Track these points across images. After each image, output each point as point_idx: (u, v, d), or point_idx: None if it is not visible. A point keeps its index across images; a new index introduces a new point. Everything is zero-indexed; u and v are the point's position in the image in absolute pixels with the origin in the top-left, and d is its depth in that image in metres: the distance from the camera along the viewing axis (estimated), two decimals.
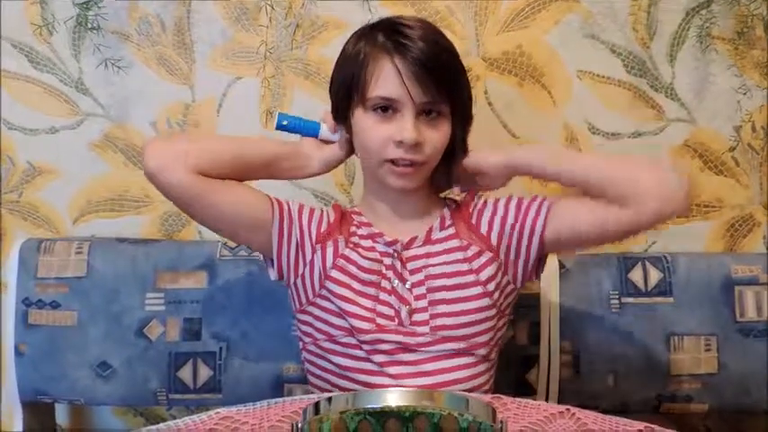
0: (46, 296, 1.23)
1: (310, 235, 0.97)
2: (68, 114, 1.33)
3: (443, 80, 0.90)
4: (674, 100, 1.32)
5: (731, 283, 1.24)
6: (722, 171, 1.34)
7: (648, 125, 1.32)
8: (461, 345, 0.94)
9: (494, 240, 0.97)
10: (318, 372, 1.00)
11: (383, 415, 0.49)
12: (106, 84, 1.31)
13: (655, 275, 1.24)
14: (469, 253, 0.96)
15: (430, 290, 0.95)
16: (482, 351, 0.96)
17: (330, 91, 0.99)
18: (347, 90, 0.93)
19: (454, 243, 0.97)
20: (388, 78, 0.89)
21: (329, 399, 0.50)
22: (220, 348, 1.23)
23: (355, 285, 0.95)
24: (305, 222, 0.98)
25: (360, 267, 0.95)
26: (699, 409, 1.24)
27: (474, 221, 0.99)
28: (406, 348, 0.93)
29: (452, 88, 0.92)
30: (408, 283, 0.95)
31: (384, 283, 0.95)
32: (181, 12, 1.30)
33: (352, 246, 0.97)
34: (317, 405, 0.50)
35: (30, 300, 1.23)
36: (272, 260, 0.99)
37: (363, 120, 0.92)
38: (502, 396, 0.86)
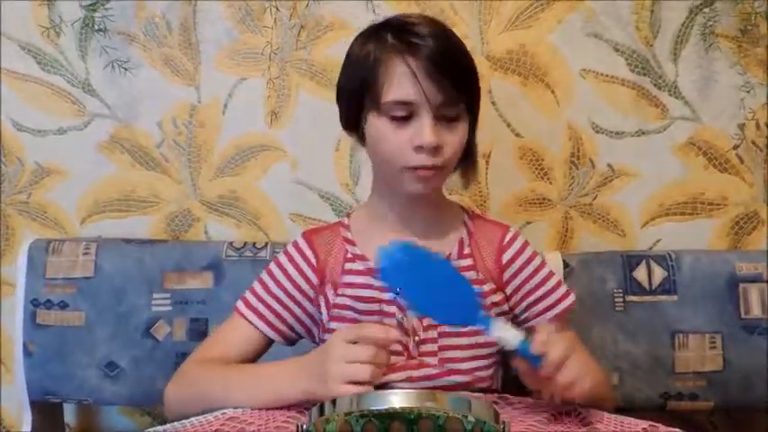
0: (54, 296, 1.24)
1: (308, 297, 0.93)
2: (76, 115, 1.34)
3: (459, 78, 0.86)
4: (678, 98, 1.32)
5: (735, 280, 1.24)
6: (726, 169, 1.34)
7: (652, 123, 1.32)
8: (466, 378, 0.90)
9: (506, 279, 0.94)
10: None
11: (388, 417, 0.49)
12: (113, 85, 1.32)
13: (659, 273, 1.24)
14: (485, 288, 0.92)
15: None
16: (484, 385, 0.92)
17: (338, 97, 0.93)
18: (358, 95, 0.87)
19: (471, 275, 0.92)
20: (402, 80, 0.84)
21: (334, 401, 0.50)
22: None
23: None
24: (299, 299, 0.93)
25: (356, 311, 0.90)
26: (704, 406, 1.24)
27: (505, 262, 0.94)
28: (414, 384, 0.88)
29: (468, 86, 0.88)
30: (414, 313, 0.89)
31: (387, 320, 0.89)
32: (186, 12, 1.30)
33: (344, 287, 0.91)
34: (321, 407, 0.51)
35: (38, 300, 1.24)
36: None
37: (378, 126, 0.86)
38: (508, 396, 0.87)
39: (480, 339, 0.90)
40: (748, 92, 1.31)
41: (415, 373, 0.89)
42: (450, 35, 0.88)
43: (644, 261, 1.25)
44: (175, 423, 0.76)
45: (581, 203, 1.34)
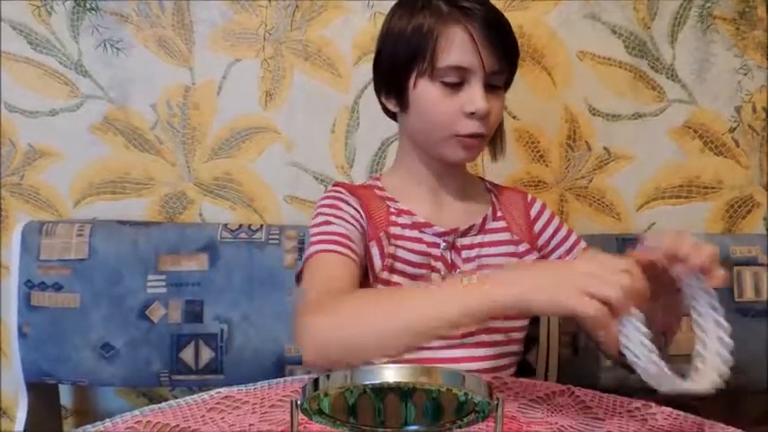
0: (48, 278, 1.24)
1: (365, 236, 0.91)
2: (68, 96, 1.33)
3: (510, 46, 0.90)
4: (675, 81, 1.31)
5: (730, 263, 1.24)
6: (722, 152, 1.34)
7: (649, 106, 1.32)
8: (501, 337, 0.93)
9: (541, 242, 0.99)
10: None
11: (382, 390, 0.50)
12: (105, 65, 1.31)
13: None
14: (521, 248, 0.96)
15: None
16: (514, 348, 0.96)
17: (377, 67, 0.94)
18: (408, 63, 0.88)
19: (506, 236, 0.96)
20: (460, 46, 0.86)
21: (328, 375, 0.50)
22: (222, 330, 1.24)
23: (405, 282, 0.91)
24: (361, 233, 0.91)
25: (409, 263, 0.91)
26: None
27: (533, 217, 0.99)
28: (452, 342, 0.90)
29: (515, 53, 0.92)
30: (459, 271, 0.93)
31: (434, 276, 0.92)
32: None
33: (395, 239, 0.92)
34: (316, 381, 0.51)
35: (32, 282, 1.24)
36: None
37: (430, 92, 0.88)
38: (502, 376, 0.87)
39: None
40: (745, 74, 1.31)
41: (455, 331, 0.89)
42: (492, 3, 0.91)
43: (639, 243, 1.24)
44: (171, 402, 0.76)
45: (576, 186, 1.34)
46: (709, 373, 0.69)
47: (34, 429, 1.26)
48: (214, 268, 1.24)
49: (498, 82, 0.90)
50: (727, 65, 1.31)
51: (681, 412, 0.77)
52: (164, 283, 1.24)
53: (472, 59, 0.86)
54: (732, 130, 1.33)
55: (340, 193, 0.95)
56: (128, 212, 1.34)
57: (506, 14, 0.91)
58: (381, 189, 0.97)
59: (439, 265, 0.92)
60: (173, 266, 1.24)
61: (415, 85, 0.89)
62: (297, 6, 1.29)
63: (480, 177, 1.05)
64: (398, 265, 0.91)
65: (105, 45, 1.30)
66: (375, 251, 0.91)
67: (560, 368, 1.24)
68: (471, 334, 0.92)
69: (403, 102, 0.91)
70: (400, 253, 0.91)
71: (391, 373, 0.48)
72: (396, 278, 0.91)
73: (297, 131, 1.33)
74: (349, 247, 0.88)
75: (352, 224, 0.90)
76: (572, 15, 1.29)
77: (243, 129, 1.33)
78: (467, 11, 0.87)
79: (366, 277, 0.90)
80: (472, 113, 0.87)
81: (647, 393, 1.22)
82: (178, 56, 1.31)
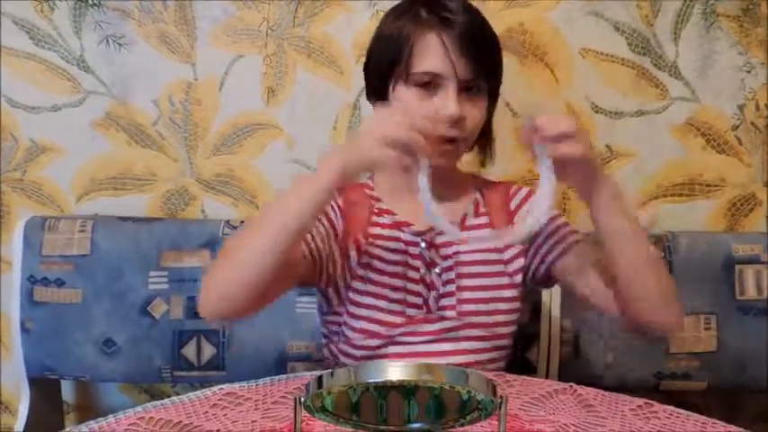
0: (51, 274, 1.24)
1: (336, 238, 0.94)
2: (70, 92, 1.32)
3: (486, 56, 0.91)
4: (678, 78, 1.31)
5: (732, 261, 1.24)
6: (725, 150, 1.34)
7: (652, 104, 1.32)
8: (484, 332, 0.94)
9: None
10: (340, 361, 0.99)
11: (385, 387, 0.50)
12: (108, 61, 1.31)
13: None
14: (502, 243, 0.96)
15: (459, 276, 0.94)
16: (503, 342, 0.96)
17: (366, 69, 0.97)
18: (388, 67, 0.91)
19: (487, 232, 0.97)
20: (433, 53, 0.88)
21: (331, 373, 0.50)
22: (224, 326, 1.24)
23: (383, 280, 0.93)
24: (329, 234, 0.93)
25: (385, 261, 0.94)
26: (697, 386, 1.25)
27: (514, 208, 0.99)
28: (432, 338, 0.93)
29: (493, 64, 0.93)
30: (438, 268, 0.95)
31: (411, 273, 0.94)
32: None
33: (373, 238, 0.95)
34: (319, 379, 0.51)
35: (35, 277, 1.24)
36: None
37: (406, 95, 0.90)
38: (505, 373, 0.87)
39: (500, 294, 0.95)
40: (749, 72, 1.31)
41: (434, 327, 0.93)
42: (479, 13, 0.92)
43: None
44: (173, 398, 0.76)
45: None
46: (520, 228, 0.81)
47: (36, 424, 1.26)
48: None
49: (477, 89, 0.91)
50: (731, 62, 1.30)
51: (683, 411, 0.77)
52: (166, 280, 1.24)
53: (444, 66, 0.88)
54: (735, 127, 1.33)
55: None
56: (130, 208, 1.34)
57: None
58: (371, 188, 1.00)
59: (417, 263, 0.94)
60: (175, 263, 1.24)
61: (393, 89, 0.92)
62: (299, 3, 1.29)
63: (473, 175, 1.04)
64: (376, 263, 0.94)
65: (108, 41, 1.30)
66: (352, 248, 0.94)
67: (561, 367, 1.24)
68: (452, 329, 0.93)
69: (385, 105, 0.94)
70: (377, 251, 0.94)
71: (395, 371, 0.48)
72: (372, 275, 0.93)
73: (299, 128, 1.33)
74: (308, 248, 0.90)
75: (326, 228, 0.93)
76: (575, 12, 1.29)
77: (245, 125, 1.33)
78: (444, 19, 0.88)
79: (322, 272, 0.92)
80: (445, 118, 0.88)
81: (649, 392, 1.23)
82: (180, 52, 1.31)
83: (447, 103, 0.88)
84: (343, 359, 0.97)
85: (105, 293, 1.24)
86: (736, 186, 1.34)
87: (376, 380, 0.48)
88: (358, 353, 0.95)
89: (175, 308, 1.24)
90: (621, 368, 1.24)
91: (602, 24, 1.29)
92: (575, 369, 1.24)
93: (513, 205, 0.99)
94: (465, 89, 0.90)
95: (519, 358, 1.27)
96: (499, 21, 1.28)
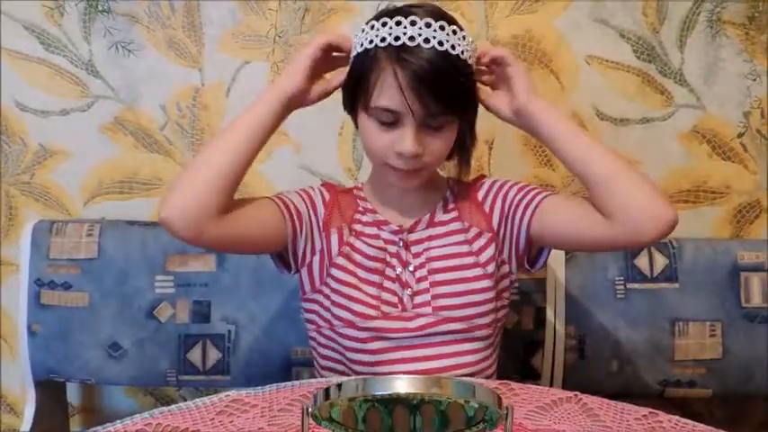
0: (58, 277, 1.25)
1: (318, 222, 0.98)
2: (79, 96, 1.33)
3: (446, 95, 0.88)
4: (683, 86, 1.31)
5: (737, 269, 1.24)
6: (730, 157, 1.34)
7: (657, 111, 1.32)
8: (463, 325, 0.95)
9: (495, 220, 0.98)
10: (322, 358, 1.01)
11: (391, 402, 0.50)
12: (116, 66, 1.32)
13: (661, 261, 1.24)
14: (470, 234, 0.98)
15: (431, 271, 0.96)
16: (483, 333, 0.97)
17: (343, 88, 0.96)
18: (354, 91, 0.92)
19: (456, 225, 0.99)
20: (390, 90, 0.87)
21: (339, 385, 0.51)
22: (229, 331, 1.25)
23: (360, 273, 0.96)
24: (310, 212, 0.97)
25: (365, 255, 0.96)
26: (703, 394, 1.25)
27: (481, 199, 1.00)
28: (411, 335, 0.94)
29: (456, 101, 0.90)
30: (411, 266, 0.97)
31: (388, 271, 0.96)
32: None
33: (356, 233, 0.98)
34: (327, 391, 0.51)
35: (42, 280, 1.25)
36: (279, 255, 0.98)
37: (366, 125, 0.92)
38: (509, 382, 0.88)
39: (473, 285, 0.96)
40: (754, 80, 1.31)
41: (411, 324, 0.95)
42: (445, 53, 0.87)
43: (646, 249, 1.25)
44: (180, 404, 0.77)
45: (584, 190, 1.33)
46: None
47: (41, 427, 1.27)
48: (222, 269, 1.25)
49: (437, 123, 0.89)
50: (736, 70, 1.31)
51: (689, 420, 0.77)
52: (172, 284, 1.25)
53: (399, 104, 0.87)
54: (740, 135, 1.33)
55: (317, 188, 1.01)
56: (136, 212, 1.34)
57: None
58: (360, 190, 1.03)
59: (394, 261, 0.97)
60: (181, 267, 1.25)
61: (358, 114, 0.94)
62: (307, 10, 1.29)
63: (450, 178, 1.03)
64: (356, 256, 0.96)
65: (116, 46, 1.31)
66: (334, 237, 0.97)
67: (566, 373, 1.24)
68: (429, 325, 0.94)
69: (355, 123, 0.97)
70: (358, 244, 0.97)
71: (403, 384, 0.49)
72: (351, 266, 0.96)
73: (305, 134, 1.33)
74: (287, 207, 0.95)
75: (307, 206, 0.97)
76: (580, 19, 1.29)
77: None
78: (400, 56, 0.86)
79: (296, 239, 0.96)
80: (401, 153, 0.89)
81: (654, 400, 1.23)
82: (188, 57, 1.32)
83: (404, 140, 0.88)
84: (321, 350, 1.01)
85: (112, 297, 1.24)
86: (741, 193, 1.34)
87: (383, 392, 0.49)
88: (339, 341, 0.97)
89: (181, 312, 1.25)
90: (626, 375, 1.24)
91: (607, 31, 1.29)
92: (579, 376, 1.24)
93: (480, 196, 1.00)
94: (426, 125, 0.89)
95: (523, 365, 1.27)
96: (505, 27, 1.28)
